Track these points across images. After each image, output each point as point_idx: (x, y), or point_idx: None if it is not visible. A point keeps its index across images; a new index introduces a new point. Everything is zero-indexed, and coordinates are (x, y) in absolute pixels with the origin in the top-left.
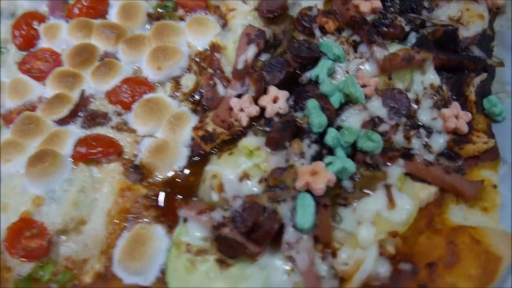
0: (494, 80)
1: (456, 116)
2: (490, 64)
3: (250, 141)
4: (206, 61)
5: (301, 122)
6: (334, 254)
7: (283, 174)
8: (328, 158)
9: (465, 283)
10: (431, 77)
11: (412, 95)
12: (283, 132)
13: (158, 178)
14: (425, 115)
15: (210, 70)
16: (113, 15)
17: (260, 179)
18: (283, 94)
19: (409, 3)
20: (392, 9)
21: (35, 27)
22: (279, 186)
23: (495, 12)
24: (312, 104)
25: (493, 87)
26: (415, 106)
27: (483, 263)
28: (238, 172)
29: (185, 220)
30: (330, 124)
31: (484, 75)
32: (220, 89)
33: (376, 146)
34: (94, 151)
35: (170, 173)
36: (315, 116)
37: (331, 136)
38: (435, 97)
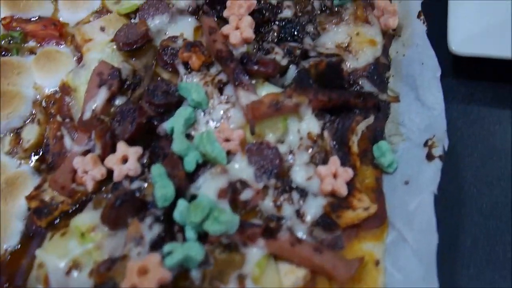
0: (388, 119)
1: (335, 175)
2: (384, 100)
3: (86, 217)
4: (55, 106)
5: (145, 193)
6: None
7: (112, 268)
8: (167, 247)
9: None
10: (309, 124)
11: (285, 148)
12: (120, 208)
13: None
14: (299, 174)
15: (58, 118)
16: None
17: (91, 271)
18: (133, 152)
19: (289, 29)
20: (269, 37)
21: None
22: (107, 284)
23: (390, 35)
24: (156, 171)
25: (387, 127)
26: (290, 161)
27: None
28: (66, 262)
29: None
30: (181, 194)
31: (370, 119)
32: (68, 142)
33: (226, 227)
34: None
35: None
36: (159, 187)
37: (179, 211)
38: (312, 149)
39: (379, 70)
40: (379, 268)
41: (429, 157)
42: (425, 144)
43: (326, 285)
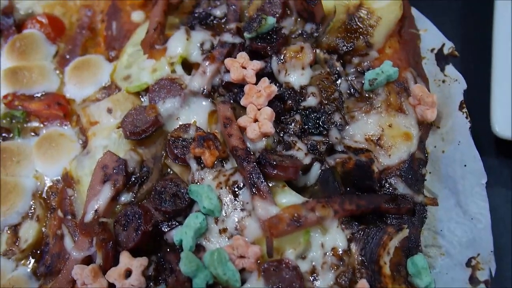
0: (424, 225)
1: None
2: (420, 202)
3: None
4: (57, 199)
5: None
6: None
7: None
8: None
9: None
10: (335, 237)
11: (307, 266)
12: None
13: None
14: None
15: (59, 214)
16: None
17: None
18: (138, 265)
19: (314, 120)
20: (291, 129)
21: None
22: None
23: (427, 126)
24: None
25: (423, 235)
26: (312, 283)
27: None
28: None
29: None
30: None
31: (405, 233)
32: (68, 243)
33: None
34: None
35: None
36: None
37: None
38: (338, 268)
39: (414, 167)
40: None
41: (473, 281)
42: (468, 264)
43: None
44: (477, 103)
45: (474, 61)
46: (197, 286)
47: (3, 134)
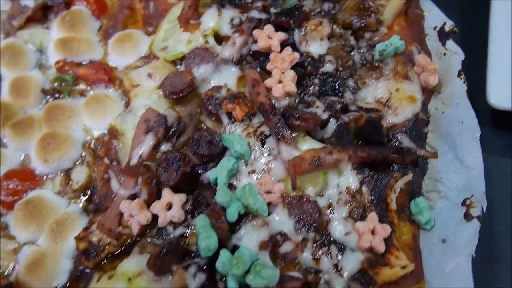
0: (426, 175)
1: (373, 231)
2: (422, 155)
3: (131, 263)
4: (103, 149)
5: (189, 242)
6: None
7: None
8: None
9: None
10: (348, 179)
11: (324, 201)
12: (165, 258)
13: None
14: (338, 229)
15: (106, 161)
16: (4, 90)
17: None
18: (178, 199)
19: (330, 84)
20: (311, 90)
21: None
22: None
23: (430, 91)
24: (200, 222)
25: (425, 183)
26: (329, 215)
27: None
28: None
29: None
30: (224, 244)
31: (409, 177)
32: (115, 185)
33: (267, 282)
34: None
35: None
36: (203, 238)
37: (221, 262)
38: (351, 204)
39: (418, 125)
40: None
41: (467, 217)
42: (463, 203)
43: None
44: (474, 76)
45: (473, 38)
46: (230, 214)
47: (55, 95)
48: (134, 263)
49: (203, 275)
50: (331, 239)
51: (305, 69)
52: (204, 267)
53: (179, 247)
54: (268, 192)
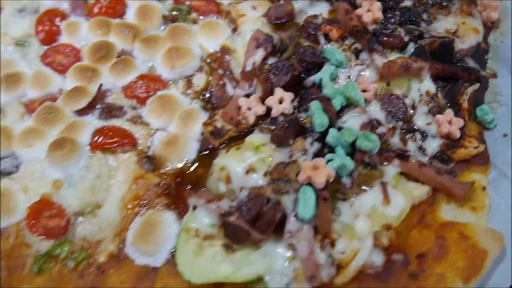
0: (487, 90)
1: (450, 122)
2: (483, 75)
3: (256, 137)
4: (217, 62)
5: (304, 121)
6: (332, 244)
7: (286, 168)
8: (328, 156)
9: (452, 274)
10: (427, 85)
11: (409, 101)
12: (287, 130)
13: (169, 169)
14: (420, 120)
15: (220, 71)
16: (130, 15)
17: (265, 173)
18: (288, 96)
19: (408, 16)
20: (392, 20)
21: (57, 23)
22: (283, 179)
23: (489, 26)
24: (315, 105)
25: (486, 97)
26: (412, 111)
27: (470, 257)
28: (244, 166)
29: (194, 208)
30: (331, 124)
31: (476, 85)
32: (229, 89)
33: (374, 145)
34: (110, 141)
35: (180, 165)
36: (317, 116)
37: (332, 135)
38: (430, 104)
39: (480, 52)
40: (485, 192)
41: None
42: None
43: (444, 201)
44: None
45: None
46: (335, 105)
47: (172, 22)
48: (259, 137)
49: (318, 144)
50: (415, 128)
51: (387, 3)
52: (319, 139)
53: (298, 122)
54: (364, 90)
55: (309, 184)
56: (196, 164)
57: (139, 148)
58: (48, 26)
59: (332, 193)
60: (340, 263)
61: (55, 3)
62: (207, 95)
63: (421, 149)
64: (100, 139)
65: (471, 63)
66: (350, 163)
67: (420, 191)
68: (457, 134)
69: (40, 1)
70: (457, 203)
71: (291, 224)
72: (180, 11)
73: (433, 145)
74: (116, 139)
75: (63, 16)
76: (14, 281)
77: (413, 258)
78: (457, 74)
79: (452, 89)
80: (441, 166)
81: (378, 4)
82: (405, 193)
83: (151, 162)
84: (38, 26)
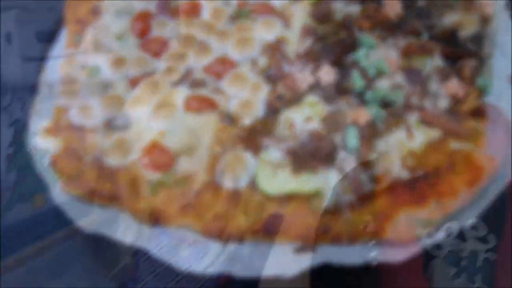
0: (484, 68)
1: (455, 87)
2: (482, 57)
3: (311, 98)
4: (275, 49)
5: (347, 85)
6: (370, 167)
7: (335, 115)
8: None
9: (458, 181)
10: (438, 61)
11: (424, 72)
12: (335, 90)
13: (244, 124)
14: (433, 86)
15: (277, 56)
16: (205, 15)
17: (319, 120)
18: (332, 70)
19: (423, 12)
20: (411, 15)
21: (148, 22)
22: (333, 123)
23: (485, 19)
24: (355, 73)
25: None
26: (426, 80)
27: (472, 171)
28: (304, 116)
29: (267, 147)
30: (367, 88)
31: (477, 62)
32: (285, 68)
33: (399, 99)
34: (198, 105)
35: (253, 121)
36: (357, 80)
37: (368, 95)
38: (440, 75)
39: (479, 39)
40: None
41: None
42: None
43: (454, 139)
44: None
45: None
46: (370, 73)
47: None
48: (313, 97)
49: (358, 100)
50: (429, 91)
51: (406, 2)
52: None
53: (342, 86)
54: (390, 65)
55: (354, 125)
56: (264, 120)
57: (220, 109)
58: (141, 24)
59: (370, 134)
60: (377, 180)
61: (145, 4)
62: (269, 73)
63: (434, 105)
64: (191, 103)
65: (471, 47)
66: (383, 112)
67: (435, 132)
68: (461, 94)
69: (133, 4)
70: (464, 142)
71: (341, 154)
72: (243, 12)
73: (443, 103)
74: (202, 103)
75: (152, 16)
76: (135, 200)
77: (430, 173)
78: (462, 54)
79: (457, 65)
80: (450, 116)
81: (399, 3)
82: (424, 132)
83: (230, 118)
84: (134, 24)
